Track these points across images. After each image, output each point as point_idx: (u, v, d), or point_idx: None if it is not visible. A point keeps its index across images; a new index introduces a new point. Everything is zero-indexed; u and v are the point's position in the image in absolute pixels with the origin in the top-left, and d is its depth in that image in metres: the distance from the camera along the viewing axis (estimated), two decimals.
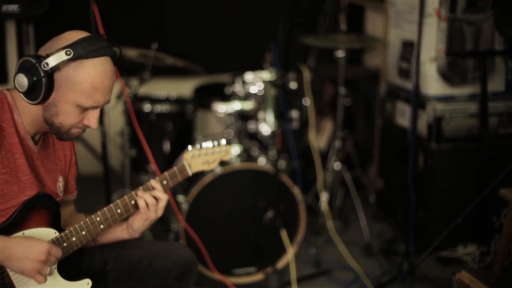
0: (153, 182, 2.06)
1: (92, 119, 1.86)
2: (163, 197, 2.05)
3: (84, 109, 1.83)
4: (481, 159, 3.31)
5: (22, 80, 1.78)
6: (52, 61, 1.75)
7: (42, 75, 1.76)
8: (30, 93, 1.79)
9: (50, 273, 1.83)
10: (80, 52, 1.76)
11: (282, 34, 3.03)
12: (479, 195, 3.07)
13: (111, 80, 1.83)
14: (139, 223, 2.06)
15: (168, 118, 3.48)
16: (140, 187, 2.04)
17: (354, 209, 3.74)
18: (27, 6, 3.20)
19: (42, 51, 1.81)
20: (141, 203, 2.02)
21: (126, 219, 2.09)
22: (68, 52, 1.75)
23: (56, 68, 1.76)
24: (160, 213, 2.05)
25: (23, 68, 1.78)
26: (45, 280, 1.78)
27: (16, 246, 1.74)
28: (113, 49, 1.85)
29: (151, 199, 2.03)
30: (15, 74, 1.80)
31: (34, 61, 1.76)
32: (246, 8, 4.40)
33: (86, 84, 1.78)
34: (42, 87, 1.77)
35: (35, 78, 1.76)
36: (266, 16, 4.16)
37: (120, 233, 2.11)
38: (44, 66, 1.75)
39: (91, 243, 2.12)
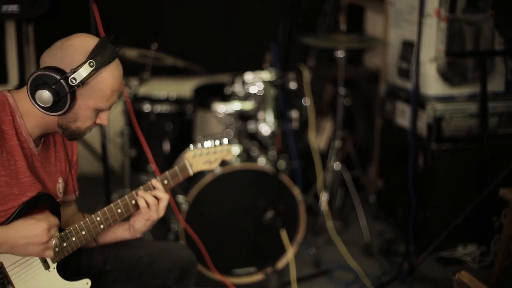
0: (154, 182, 2.06)
1: (104, 117, 1.90)
2: (164, 197, 2.05)
3: (100, 111, 1.88)
4: (481, 159, 3.31)
5: (47, 97, 1.77)
6: (79, 76, 1.77)
7: (68, 90, 1.77)
8: (53, 107, 1.80)
9: (56, 247, 1.85)
10: (100, 61, 1.79)
11: (282, 34, 3.03)
12: (479, 195, 3.07)
13: (122, 79, 1.90)
14: (140, 223, 2.07)
15: (168, 118, 3.48)
16: (141, 187, 2.04)
17: (354, 209, 3.74)
18: (27, 6, 3.20)
19: (53, 61, 1.80)
20: (141, 203, 2.02)
21: (127, 219, 2.09)
22: (92, 64, 1.78)
23: (84, 81, 1.78)
24: (161, 213, 2.05)
25: (44, 84, 1.77)
26: (54, 253, 1.81)
27: (15, 235, 1.74)
28: (117, 49, 1.88)
29: (152, 199, 2.03)
30: (35, 89, 1.78)
31: (57, 76, 1.76)
32: (246, 8, 4.40)
33: (107, 90, 1.83)
34: (66, 101, 1.79)
35: (60, 94, 1.77)
36: (266, 16, 4.16)
37: (121, 233, 2.12)
38: (72, 82, 1.77)
39: (92, 243, 2.12)
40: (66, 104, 1.79)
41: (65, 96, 1.78)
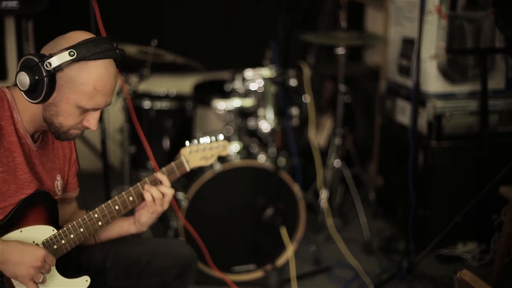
0: (160, 176, 2.06)
1: (92, 120, 1.85)
2: (169, 192, 2.05)
3: (84, 111, 1.83)
4: (481, 156, 3.30)
5: (24, 79, 1.77)
6: (55, 61, 1.75)
7: (44, 74, 1.75)
8: (32, 92, 1.78)
9: (43, 282, 1.81)
10: (83, 53, 1.76)
11: (282, 32, 3.02)
12: (479, 193, 3.07)
13: (113, 83, 1.83)
14: (146, 217, 2.07)
15: (168, 115, 3.48)
16: (146, 180, 2.04)
17: (354, 207, 3.74)
18: (27, 2, 3.19)
19: (45, 50, 1.80)
20: (147, 197, 2.02)
21: (131, 214, 2.08)
22: (72, 53, 1.75)
23: (59, 68, 1.75)
24: (166, 206, 2.06)
25: (25, 67, 1.77)
26: None
27: (13, 250, 1.74)
28: (117, 52, 1.84)
29: (158, 193, 2.03)
30: (17, 72, 1.79)
31: (36, 60, 1.75)
32: (246, 6, 4.39)
33: (88, 86, 1.78)
34: (43, 86, 1.76)
35: (37, 77, 1.75)
36: (266, 13, 4.16)
37: (127, 227, 2.11)
38: (46, 66, 1.75)
39: (93, 240, 2.12)
40: (43, 89, 1.76)
41: (41, 80, 1.75)
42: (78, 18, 2.57)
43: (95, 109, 1.84)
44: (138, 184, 2.04)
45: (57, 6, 3.63)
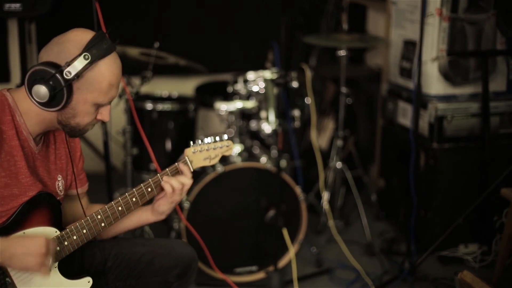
0: (182, 166, 2.07)
1: (105, 112, 1.90)
2: (189, 182, 2.07)
3: (99, 106, 1.87)
4: (482, 158, 3.31)
5: (42, 91, 1.77)
6: (73, 68, 1.77)
7: (64, 84, 1.77)
8: (50, 102, 1.79)
9: (51, 265, 1.84)
10: (95, 53, 1.78)
11: (284, 34, 3.03)
12: (480, 195, 3.07)
13: (121, 73, 1.88)
14: (165, 206, 2.09)
15: (170, 117, 3.49)
16: (167, 170, 2.06)
17: (356, 209, 3.75)
18: (30, 5, 3.21)
19: (50, 56, 1.80)
20: (167, 187, 2.04)
21: (149, 203, 2.11)
22: (87, 57, 1.77)
23: (79, 74, 1.78)
24: (184, 195, 2.09)
25: (41, 79, 1.77)
26: (49, 271, 1.81)
27: (15, 245, 1.76)
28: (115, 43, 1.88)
29: (178, 184, 2.04)
30: (31, 84, 1.78)
31: (52, 71, 1.76)
32: (248, 8, 4.40)
33: (104, 83, 1.82)
34: (63, 95, 1.78)
35: (56, 88, 1.77)
36: (268, 16, 4.17)
37: (146, 217, 2.14)
38: (66, 75, 1.76)
39: (110, 233, 2.15)
40: (63, 98, 1.78)
41: (61, 90, 1.77)
42: (81, 20, 2.58)
43: (109, 103, 1.88)
44: (168, 171, 2.06)
45: (59, 8, 3.65)
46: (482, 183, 3.28)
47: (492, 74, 3.43)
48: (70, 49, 1.79)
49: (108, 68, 1.82)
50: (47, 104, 1.80)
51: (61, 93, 1.78)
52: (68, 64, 1.76)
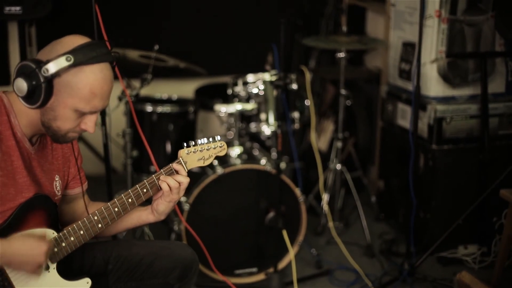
0: (176, 166, 2.07)
1: (89, 123, 1.87)
2: (185, 180, 2.06)
3: (82, 114, 1.85)
4: (481, 160, 3.31)
5: (21, 85, 1.79)
6: (52, 67, 1.77)
7: (42, 80, 1.77)
8: (29, 98, 1.80)
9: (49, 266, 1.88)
10: (80, 58, 1.77)
11: (284, 36, 3.04)
12: (479, 196, 3.08)
13: (109, 86, 1.85)
14: (163, 206, 2.08)
15: (170, 119, 3.50)
16: (162, 171, 2.06)
17: (355, 210, 3.75)
18: (30, 7, 3.21)
19: (42, 56, 1.82)
20: (164, 186, 2.03)
21: (149, 203, 2.10)
22: (69, 58, 1.77)
23: (56, 74, 1.77)
24: (182, 194, 2.08)
25: (22, 73, 1.79)
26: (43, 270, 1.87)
27: (15, 252, 1.77)
28: (113, 55, 1.86)
29: (174, 183, 2.04)
30: (14, 78, 1.81)
31: (33, 66, 1.77)
32: (247, 10, 4.41)
33: (85, 90, 1.80)
34: (41, 92, 1.78)
35: (34, 83, 1.78)
36: (268, 18, 4.17)
37: (146, 217, 2.12)
38: (44, 72, 1.77)
39: (111, 232, 2.15)
40: (41, 95, 1.78)
41: (39, 86, 1.77)
42: (81, 23, 2.59)
43: (92, 112, 1.86)
44: (163, 171, 2.06)
45: (60, 11, 3.65)
46: (481, 184, 3.28)
47: (491, 75, 3.44)
48: (58, 50, 1.80)
49: (92, 76, 1.79)
50: (26, 99, 1.80)
51: (40, 89, 1.78)
52: (48, 61, 1.77)
